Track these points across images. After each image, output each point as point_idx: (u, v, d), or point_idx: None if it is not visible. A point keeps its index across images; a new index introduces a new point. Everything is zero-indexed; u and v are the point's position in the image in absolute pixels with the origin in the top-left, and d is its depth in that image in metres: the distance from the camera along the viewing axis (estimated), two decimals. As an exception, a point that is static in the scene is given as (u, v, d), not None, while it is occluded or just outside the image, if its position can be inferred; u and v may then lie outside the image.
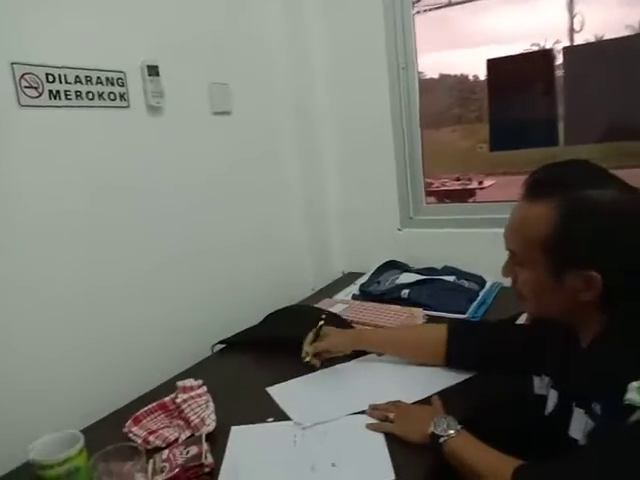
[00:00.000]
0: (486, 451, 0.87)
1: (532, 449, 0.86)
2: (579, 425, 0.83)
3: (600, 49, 1.74)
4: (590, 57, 1.76)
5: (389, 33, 1.93)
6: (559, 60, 1.83)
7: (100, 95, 1.31)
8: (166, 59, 1.46)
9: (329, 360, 1.29)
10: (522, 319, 1.18)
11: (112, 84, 1.33)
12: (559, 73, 1.85)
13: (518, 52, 1.88)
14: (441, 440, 0.90)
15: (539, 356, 1.01)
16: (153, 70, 1.41)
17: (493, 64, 1.90)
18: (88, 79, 1.27)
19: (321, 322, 1.28)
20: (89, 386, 1.29)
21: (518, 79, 1.89)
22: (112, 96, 1.34)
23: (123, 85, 1.36)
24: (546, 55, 1.84)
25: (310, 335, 1.28)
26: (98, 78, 1.29)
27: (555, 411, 0.93)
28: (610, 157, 1.88)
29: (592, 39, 1.79)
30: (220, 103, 1.68)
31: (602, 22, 1.75)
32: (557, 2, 1.83)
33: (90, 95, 1.28)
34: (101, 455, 0.84)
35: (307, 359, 1.24)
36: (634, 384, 0.69)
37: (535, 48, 1.89)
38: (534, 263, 0.83)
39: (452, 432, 0.90)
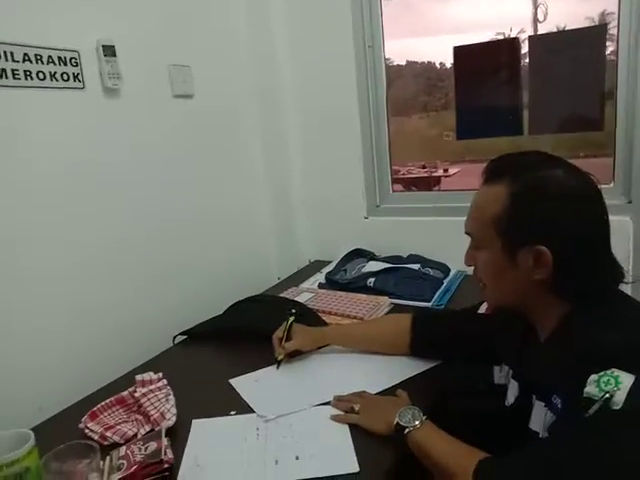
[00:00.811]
0: (450, 442, 0.87)
1: (494, 439, 0.86)
2: (539, 418, 0.84)
3: (564, 38, 1.75)
4: (554, 46, 1.77)
5: (355, 13, 1.90)
6: (524, 49, 1.84)
7: (52, 75, 1.24)
8: (123, 39, 1.40)
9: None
10: (483, 308, 1.19)
11: (65, 64, 1.26)
12: (524, 62, 1.86)
13: (484, 40, 1.88)
14: (406, 431, 0.90)
15: (499, 346, 1.02)
16: (109, 50, 1.35)
17: (460, 51, 1.89)
18: (38, 58, 1.20)
19: (291, 319, 1.27)
20: (41, 380, 1.23)
21: (484, 67, 1.89)
22: (65, 76, 1.27)
23: (77, 65, 1.29)
24: (512, 43, 1.85)
25: (279, 333, 1.26)
26: (49, 57, 1.23)
27: (516, 403, 0.94)
28: (572, 147, 1.92)
29: (554, 29, 1.81)
30: (181, 86, 1.63)
31: (564, 14, 1.76)
32: (521, -8, 1.84)
33: (41, 75, 1.21)
34: (53, 454, 0.81)
35: (280, 357, 1.23)
36: (593, 377, 0.69)
37: (500, 37, 1.89)
38: (489, 243, 0.85)
39: (417, 423, 0.90)
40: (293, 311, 1.30)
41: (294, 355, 1.26)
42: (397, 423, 0.91)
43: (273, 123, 2.06)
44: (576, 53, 1.74)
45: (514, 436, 0.87)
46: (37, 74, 1.20)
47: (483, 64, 1.88)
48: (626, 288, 0.86)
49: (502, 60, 1.88)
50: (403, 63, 2.25)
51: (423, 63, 2.30)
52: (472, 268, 0.94)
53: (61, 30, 1.26)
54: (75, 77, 1.29)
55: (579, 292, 0.81)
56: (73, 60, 1.28)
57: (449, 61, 1.95)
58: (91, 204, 1.37)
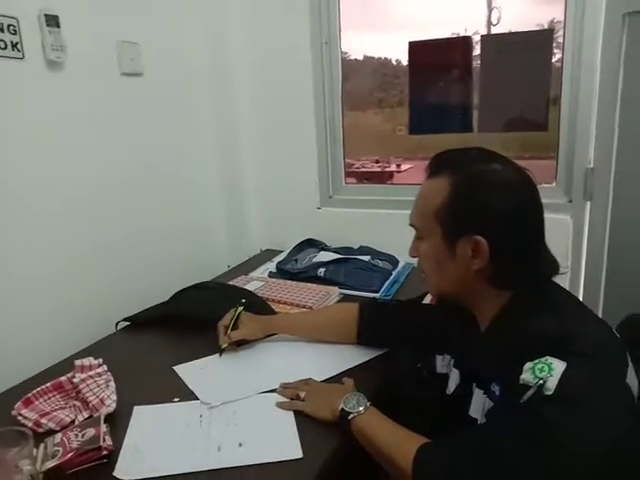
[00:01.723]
0: (393, 428, 0.88)
1: (436, 426, 0.88)
2: (479, 405, 0.87)
3: (514, 40, 1.81)
4: (505, 47, 1.82)
5: (313, 6, 1.89)
6: (477, 50, 1.89)
7: (-13, 42, 1.16)
8: (68, 10, 1.33)
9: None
10: (428, 299, 1.22)
11: (2, 31, 1.18)
12: (477, 62, 1.91)
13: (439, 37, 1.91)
14: (350, 417, 0.91)
15: (441, 336, 1.05)
16: (53, 20, 1.28)
17: (414, 47, 1.91)
18: (-28, 22, 1.12)
19: (240, 308, 1.25)
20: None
21: (438, 64, 1.92)
22: (2, 44, 1.19)
23: (16, 33, 1.21)
24: (465, 42, 1.89)
25: (227, 320, 1.24)
26: (-17, 22, 1.15)
27: (457, 391, 0.98)
28: (518, 147, 1.98)
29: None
30: (129, 64, 1.56)
31: (516, 18, 1.82)
32: (477, -6, 1.88)
33: (-25, 41, 1.14)
34: (-20, 442, 0.76)
35: (224, 346, 1.21)
36: (528, 365, 0.73)
37: (455, 36, 1.93)
38: (431, 234, 0.88)
39: (361, 409, 0.91)
40: (243, 301, 1.28)
41: (241, 344, 1.25)
42: (342, 409, 0.92)
43: (226, 108, 2.01)
44: (525, 55, 1.80)
45: (455, 423, 0.90)
46: (-30, 39, 1.13)
47: (436, 61, 1.92)
48: (563, 283, 0.90)
49: (455, 58, 1.92)
50: (360, 58, 2.26)
51: (380, 59, 2.31)
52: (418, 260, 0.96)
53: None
54: (14, 46, 1.21)
55: (515, 282, 0.85)
56: (11, 27, 1.20)
57: (405, 58, 1.98)
58: (28, 184, 1.30)
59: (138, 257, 1.65)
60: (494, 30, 1.87)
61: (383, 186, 2.41)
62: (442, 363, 1.07)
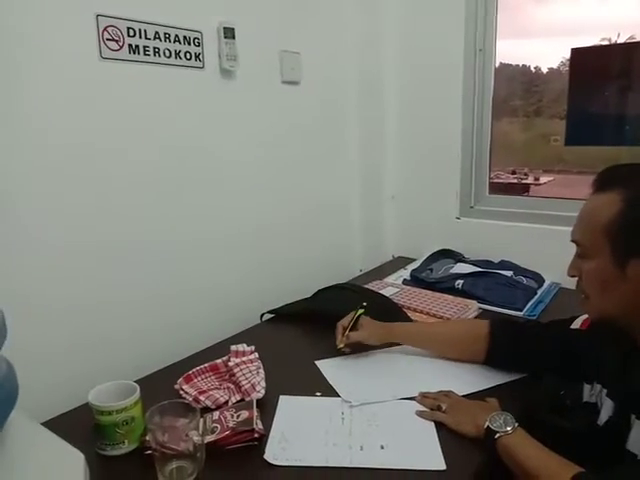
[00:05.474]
0: (543, 452, 0.84)
1: (584, 457, 0.82)
2: (639, 439, 0.80)
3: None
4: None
5: (469, 12, 1.85)
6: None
7: (177, 54, 1.30)
8: (241, 22, 1.44)
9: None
10: (577, 323, 1.12)
11: (189, 43, 1.32)
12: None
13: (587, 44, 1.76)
14: (497, 436, 0.88)
15: (591, 364, 0.97)
16: (229, 32, 1.40)
17: (577, 53, 1.79)
18: (167, 36, 1.27)
19: (361, 310, 1.27)
20: (144, 340, 1.32)
21: (604, 71, 1.77)
22: (188, 55, 1.33)
23: (199, 45, 1.35)
24: (636, 48, 1.72)
25: (346, 321, 1.26)
26: (176, 36, 1.29)
27: (610, 422, 0.90)
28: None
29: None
30: (290, 72, 1.65)
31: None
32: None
33: (167, 52, 1.28)
34: (157, 408, 0.86)
35: (341, 346, 1.23)
36: None
37: (605, 42, 1.77)
38: (598, 252, 0.83)
39: (509, 429, 0.88)
40: (364, 304, 1.29)
41: (360, 349, 1.26)
42: (488, 427, 0.89)
43: (373, 116, 2.04)
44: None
45: (607, 456, 0.83)
46: (164, 52, 1.27)
47: (602, 68, 1.77)
48: None
49: (624, 65, 1.76)
50: (497, 65, 2.17)
51: (517, 66, 2.20)
52: (568, 281, 0.92)
53: (188, 11, 1.32)
54: (197, 57, 1.35)
55: None
56: (196, 40, 1.34)
57: (545, 64, 1.86)
58: (196, 182, 1.43)
59: (282, 257, 1.74)
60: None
61: (530, 199, 2.28)
62: (590, 392, 0.99)
